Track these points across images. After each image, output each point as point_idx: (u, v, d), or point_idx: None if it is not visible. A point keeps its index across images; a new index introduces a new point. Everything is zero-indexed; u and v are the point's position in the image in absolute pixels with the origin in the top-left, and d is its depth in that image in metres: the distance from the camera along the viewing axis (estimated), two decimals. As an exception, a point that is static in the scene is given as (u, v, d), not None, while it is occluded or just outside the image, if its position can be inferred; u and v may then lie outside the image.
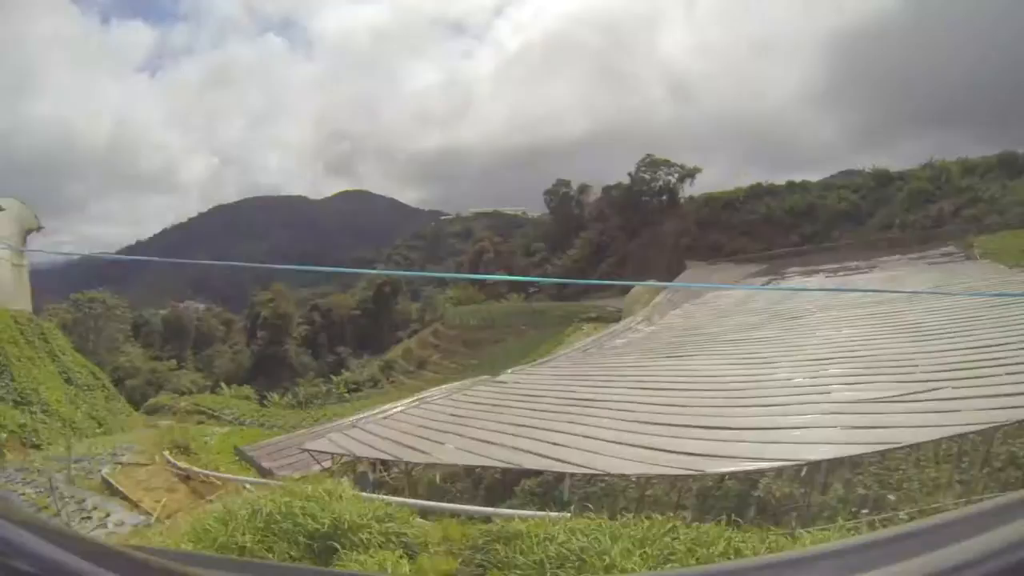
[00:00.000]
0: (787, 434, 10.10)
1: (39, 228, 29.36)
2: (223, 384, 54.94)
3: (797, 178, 64.46)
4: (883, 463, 11.24)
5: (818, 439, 9.52)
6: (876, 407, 10.13)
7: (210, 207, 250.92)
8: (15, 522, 0.97)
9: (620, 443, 11.35)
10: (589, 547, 4.74)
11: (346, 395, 52.82)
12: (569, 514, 6.85)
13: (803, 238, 57.59)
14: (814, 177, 66.05)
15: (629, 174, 71.17)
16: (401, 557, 5.11)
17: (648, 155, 70.38)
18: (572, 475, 11.59)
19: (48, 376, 23.56)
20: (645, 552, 4.62)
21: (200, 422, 32.99)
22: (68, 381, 24.73)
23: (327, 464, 16.32)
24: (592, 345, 34.99)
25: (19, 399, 21.29)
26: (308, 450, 17.08)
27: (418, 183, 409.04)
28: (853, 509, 9.98)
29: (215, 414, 39.77)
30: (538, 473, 12.95)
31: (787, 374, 14.36)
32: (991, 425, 8.80)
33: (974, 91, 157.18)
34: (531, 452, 11.97)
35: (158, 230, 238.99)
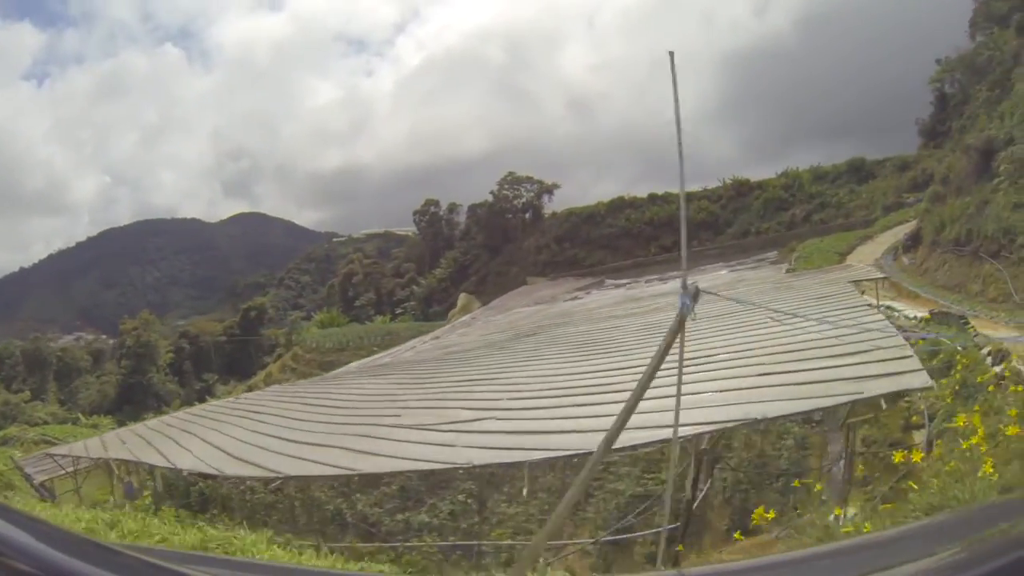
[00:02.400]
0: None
1: None
2: (81, 416, 54.85)
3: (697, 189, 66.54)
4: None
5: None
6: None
7: (100, 230, 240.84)
8: (15, 522, 0.97)
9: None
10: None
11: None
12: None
13: (663, 249, 59.27)
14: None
15: (491, 192, 74.31)
16: None
17: (510, 172, 73.79)
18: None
19: None
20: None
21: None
22: None
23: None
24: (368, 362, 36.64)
25: None
26: (50, 454, 21.98)
27: (316, 204, 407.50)
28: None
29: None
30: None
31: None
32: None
33: (858, 104, 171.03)
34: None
35: (44, 255, 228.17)
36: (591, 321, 25.16)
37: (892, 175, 54.55)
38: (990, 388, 7.73)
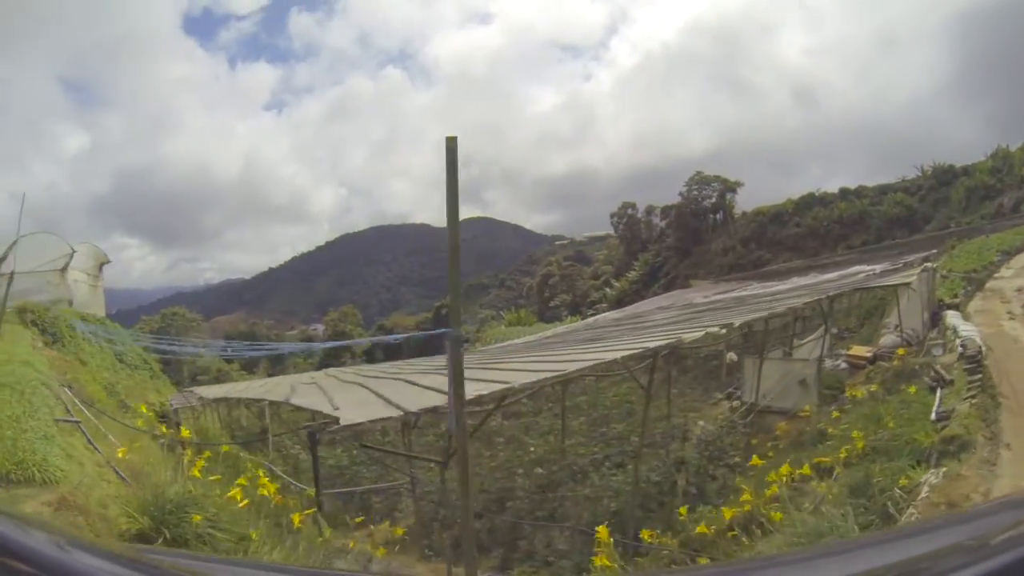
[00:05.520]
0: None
1: (107, 261, 42.36)
2: (276, 385, 70.87)
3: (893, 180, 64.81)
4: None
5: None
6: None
7: (338, 235, 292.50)
8: (15, 522, 1.11)
9: None
10: None
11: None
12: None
13: (850, 249, 58.38)
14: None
15: (680, 193, 77.08)
16: None
17: (697, 172, 76.09)
18: None
19: (105, 356, 35.79)
20: None
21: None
22: (121, 361, 36.88)
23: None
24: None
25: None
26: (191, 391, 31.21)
27: (545, 208, 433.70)
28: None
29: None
30: None
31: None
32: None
33: None
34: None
35: (289, 257, 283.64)
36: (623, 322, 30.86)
37: None
38: None
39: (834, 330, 27.55)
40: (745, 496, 8.56)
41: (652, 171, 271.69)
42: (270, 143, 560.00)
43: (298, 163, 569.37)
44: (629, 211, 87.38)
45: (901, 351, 18.48)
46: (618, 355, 12.82)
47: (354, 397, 14.02)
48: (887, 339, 22.71)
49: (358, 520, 13.05)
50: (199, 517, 5.75)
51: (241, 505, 6.86)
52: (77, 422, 8.91)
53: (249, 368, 71.65)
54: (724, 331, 15.30)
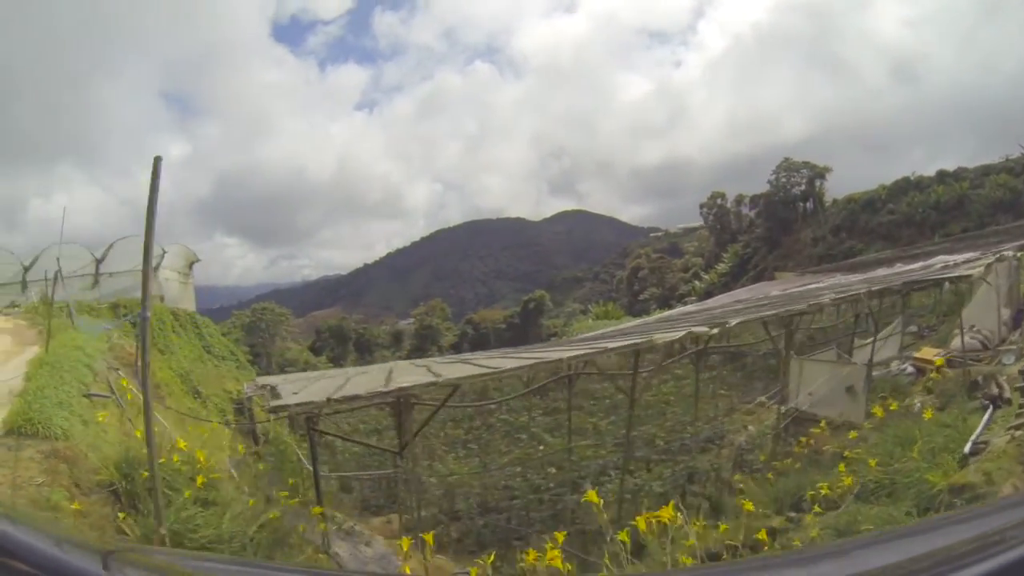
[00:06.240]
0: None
1: (197, 260, 46.05)
2: (357, 376, 75.15)
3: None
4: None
5: None
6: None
7: (433, 230, 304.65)
8: (15, 522, 1.12)
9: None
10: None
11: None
12: None
13: (948, 238, 55.16)
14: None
15: (768, 181, 75.84)
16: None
17: (785, 159, 74.70)
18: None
19: (193, 348, 38.86)
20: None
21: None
22: (208, 352, 40.01)
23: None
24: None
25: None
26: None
27: (640, 199, 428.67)
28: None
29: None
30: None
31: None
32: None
33: None
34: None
35: (384, 253, 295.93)
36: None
37: None
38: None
39: (913, 328, 25.89)
40: (722, 529, 7.87)
41: (748, 159, 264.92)
42: (363, 142, 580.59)
43: (392, 160, 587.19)
44: (718, 201, 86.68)
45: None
46: (566, 355, 13.17)
47: (363, 380, 14.20)
48: (958, 341, 19.42)
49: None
50: (145, 474, 7.07)
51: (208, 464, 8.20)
52: (108, 397, 10.53)
53: (337, 361, 74.74)
54: (716, 331, 14.71)
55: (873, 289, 19.22)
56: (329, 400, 8.77)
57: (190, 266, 42.55)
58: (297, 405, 9.02)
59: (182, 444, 8.87)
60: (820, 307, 18.22)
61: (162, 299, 35.21)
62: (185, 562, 1.48)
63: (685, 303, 78.62)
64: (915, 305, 28.86)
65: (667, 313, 51.02)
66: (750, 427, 19.96)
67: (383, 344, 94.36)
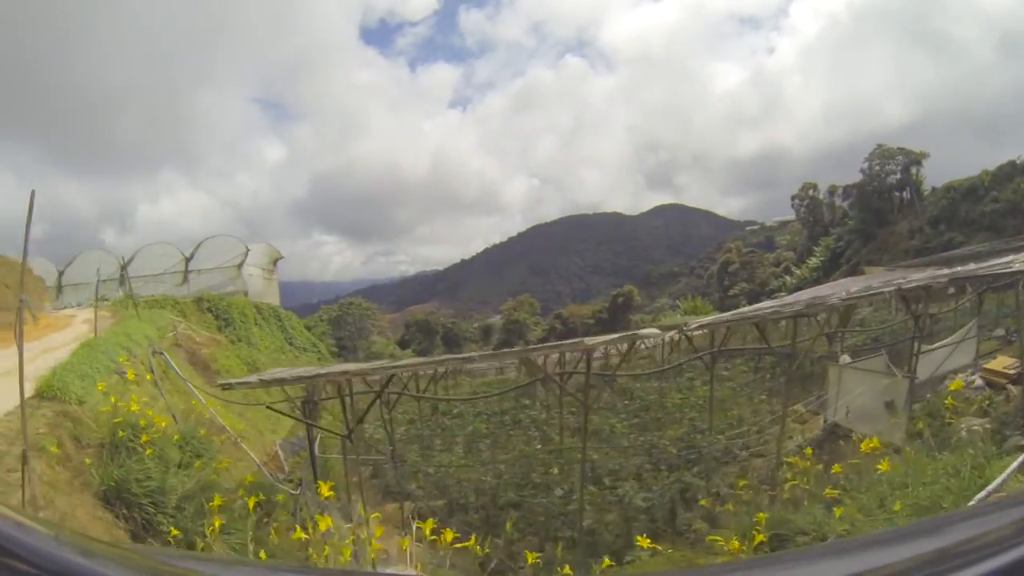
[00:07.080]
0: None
1: (281, 257, 49.63)
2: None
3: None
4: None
5: None
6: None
7: (530, 226, 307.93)
8: (15, 522, 1.10)
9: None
10: None
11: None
12: None
13: None
14: None
15: (861, 170, 72.60)
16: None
17: (879, 145, 71.10)
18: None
19: (275, 339, 41.89)
20: None
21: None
22: (290, 344, 43.10)
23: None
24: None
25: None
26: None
27: (738, 192, 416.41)
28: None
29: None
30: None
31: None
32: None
33: None
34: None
35: (481, 248, 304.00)
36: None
37: None
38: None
39: (1000, 331, 22.42)
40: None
41: (847, 147, 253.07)
42: (457, 139, 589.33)
43: (487, 156, 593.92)
44: (810, 192, 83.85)
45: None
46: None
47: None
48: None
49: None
50: (123, 434, 8.91)
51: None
52: (124, 374, 12.52)
53: (423, 354, 77.42)
54: (697, 333, 13.45)
55: (906, 287, 15.65)
56: (261, 380, 10.17)
57: (274, 263, 45.74)
58: (239, 383, 10.51)
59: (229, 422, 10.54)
60: (821, 307, 15.98)
61: (246, 294, 38.34)
62: (185, 562, 1.48)
63: (775, 299, 76.94)
64: (1009, 304, 24.16)
65: (741, 310, 50.19)
66: (796, 437, 18.00)
67: (471, 338, 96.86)
